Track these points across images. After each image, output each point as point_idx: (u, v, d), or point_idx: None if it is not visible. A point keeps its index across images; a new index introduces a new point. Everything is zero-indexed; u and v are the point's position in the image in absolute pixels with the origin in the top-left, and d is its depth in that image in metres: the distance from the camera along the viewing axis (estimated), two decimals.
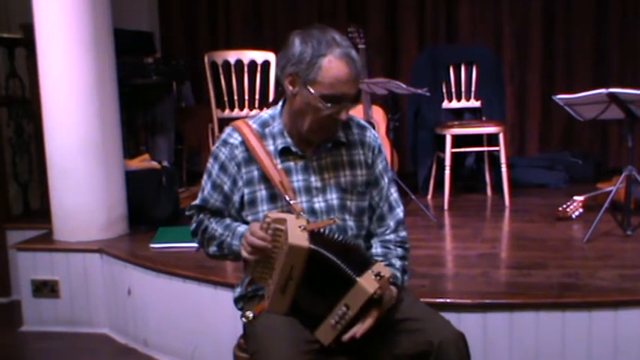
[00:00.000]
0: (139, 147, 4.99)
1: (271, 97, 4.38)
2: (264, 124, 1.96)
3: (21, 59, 4.26)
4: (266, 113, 1.99)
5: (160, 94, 5.19)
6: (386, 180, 2.04)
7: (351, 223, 1.96)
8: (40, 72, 3.52)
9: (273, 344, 1.73)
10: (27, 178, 4.38)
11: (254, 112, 4.37)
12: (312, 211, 1.92)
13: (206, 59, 4.37)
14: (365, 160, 2.00)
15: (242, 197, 1.93)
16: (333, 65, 1.79)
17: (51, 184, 3.59)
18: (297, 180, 1.93)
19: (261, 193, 1.92)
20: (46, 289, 3.51)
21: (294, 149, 1.93)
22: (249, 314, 1.86)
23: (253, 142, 1.91)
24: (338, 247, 1.76)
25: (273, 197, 1.91)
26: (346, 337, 1.72)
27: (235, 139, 1.93)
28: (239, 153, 1.92)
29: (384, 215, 2.03)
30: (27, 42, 3.96)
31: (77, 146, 3.49)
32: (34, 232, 3.80)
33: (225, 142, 1.95)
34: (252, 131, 1.93)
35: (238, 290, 2.03)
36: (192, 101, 5.72)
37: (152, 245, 3.40)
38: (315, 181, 1.94)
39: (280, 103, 1.98)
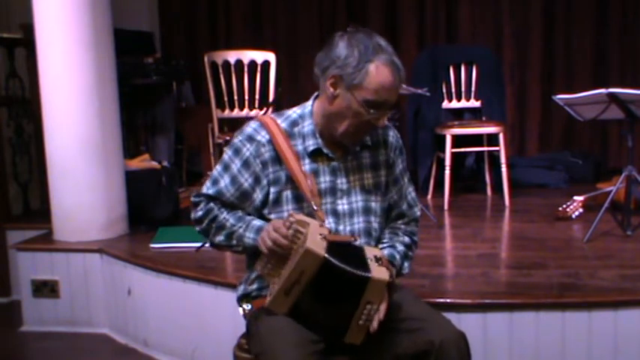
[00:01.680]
0: (139, 147, 4.99)
1: (271, 97, 4.37)
2: (294, 124, 1.94)
3: (21, 59, 4.26)
4: (293, 112, 1.97)
5: (160, 94, 5.19)
6: (405, 179, 2.06)
7: (375, 225, 1.97)
8: (40, 72, 3.52)
9: (278, 345, 1.73)
10: (27, 178, 4.38)
11: (254, 112, 4.37)
12: (334, 213, 1.92)
13: (206, 59, 4.37)
14: (387, 160, 2.01)
15: (266, 196, 1.91)
16: (379, 71, 1.79)
17: (51, 184, 3.59)
18: (325, 181, 1.92)
19: (287, 193, 1.91)
20: (46, 289, 3.51)
21: (325, 151, 1.92)
22: (247, 307, 1.87)
23: (281, 142, 1.88)
24: (346, 253, 1.76)
25: (299, 198, 1.90)
26: (374, 326, 1.74)
27: (263, 136, 1.90)
28: (266, 152, 1.90)
29: (403, 213, 2.05)
30: (27, 42, 3.96)
31: (77, 146, 3.48)
32: (34, 232, 3.80)
33: (250, 138, 1.91)
34: (281, 130, 1.91)
35: (241, 289, 2.03)
36: (192, 101, 5.72)
37: (152, 245, 3.40)
38: (341, 183, 1.93)
39: (310, 102, 1.96)
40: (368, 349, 1.81)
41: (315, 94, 1.95)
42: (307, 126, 1.93)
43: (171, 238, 3.45)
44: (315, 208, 1.84)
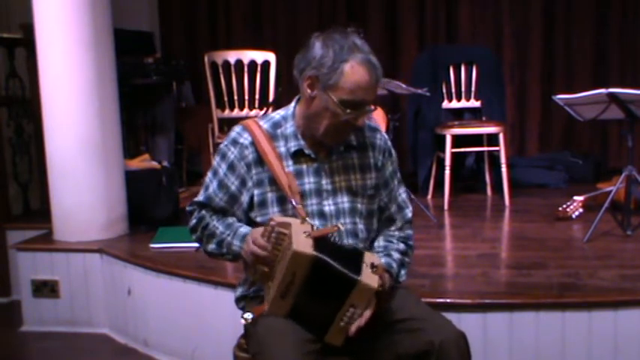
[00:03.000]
0: (139, 147, 4.99)
1: (271, 97, 4.37)
2: (276, 125, 1.94)
3: (21, 59, 4.26)
4: (277, 114, 1.97)
5: (160, 94, 5.19)
6: (395, 182, 2.05)
7: (361, 226, 1.96)
8: (40, 72, 3.52)
9: (276, 345, 1.73)
10: (27, 178, 4.38)
11: (254, 112, 4.37)
12: (321, 214, 1.91)
13: (206, 59, 4.37)
14: (375, 163, 1.99)
15: (252, 198, 1.92)
16: (354, 71, 1.78)
17: (51, 184, 3.59)
18: (309, 182, 1.92)
19: (271, 195, 1.90)
20: (46, 289, 3.51)
21: (307, 152, 1.92)
22: (248, 316, 1.84)
23: (263, 143, 1.89)
24: (339, 253, 1.76)
25: (283, 199, 1.89)
26: (352, 330, 1.73)
27: (245, 139, 1.92)
28: (249, 153, 1.90)
29: (393, 216, 2.04)
30: (27, 42, 3.95)
31: (77, 146, 3.48)
32: (34, 232, 3.80)
33: (234, 142, 1.93)
34: (263, 132, 1.91)
35: (240, 290, 2.03)
36: (192, 101, 5.72)
37: (152, 245, 3.40)
38: (326, 183, 1.93)
39: (292, 104, 1.97)
40: (368, 349, 1.81)
41: (298, 96, 1.95)
42: (289, 127, 1.93)
43: (171, 238, 3.45)
44: (295, 205, 1.84)
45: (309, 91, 1.85)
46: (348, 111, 1.81)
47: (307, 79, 1.84)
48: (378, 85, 1.85)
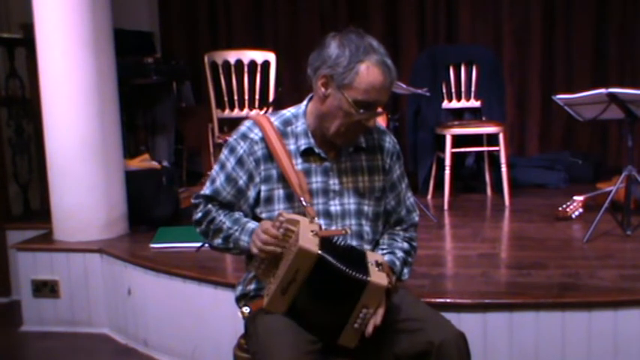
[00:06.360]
0: (138, 147, 5.00)
1: (271, 97, 4.37)
2: (287, 123, 1.94)
3: (21, 59, 4.26)
4: (288, 111, 1.98)
5: (160, 94, 5.20)
6: (403, 185, 2.06)
7: (367, 228, 1.96)
8: (40, 72, 3.52)
9: (275, 344, 1.73)
10: (27, 178, 4.38)
11: (254, 112, 4.37)
12: (327, 214, 1.92)
13: (206, 59, 4.37)
14: (383, 166, 2.00)
15: (258, 193, 1.92)
16: (370, 72, 1.79)
17: (51, 184, 3.59)
18: (316, 182, 1.92)
19: (279, 191, 1.91)
20: (46, 289, 3.51)
21: (316, 150, 1.92)
22: (246, 310, 1.86)
23: (274, 140, 1.89)
24: (345, 255, 1.76)
25: (290, 197, 1.90)
26: (369, 331, 1.73)
27: (256, 134, 1.92)
28: (259, 149, 1.90)
29: (402, 219, 2.05)
30: (27, 42, 3.96)
31: (77, 146, 3.49)
32: (34, 232, 3.80)
33: (244, 136, 1.93)
34: (274, 128, 1.91)
35: (239, 289, 2.03)
36: (192, 101, 5.73)
37: (152, 245, 3.40)
38: (333, 184, 1.93)
39: (304, 103, 1.97)
40: (367, 349, 1.81)
41: (310, 94, 1.96)
42: (300, 125, 1.93)
43: (171, 238, 3.46)
44: (304, 203, 1.84)
45: (322, 89, 1.85)
46: (361, 111, 1.81)
47: (321, 78, 1.84)
48: (392, 86, 1.86)
